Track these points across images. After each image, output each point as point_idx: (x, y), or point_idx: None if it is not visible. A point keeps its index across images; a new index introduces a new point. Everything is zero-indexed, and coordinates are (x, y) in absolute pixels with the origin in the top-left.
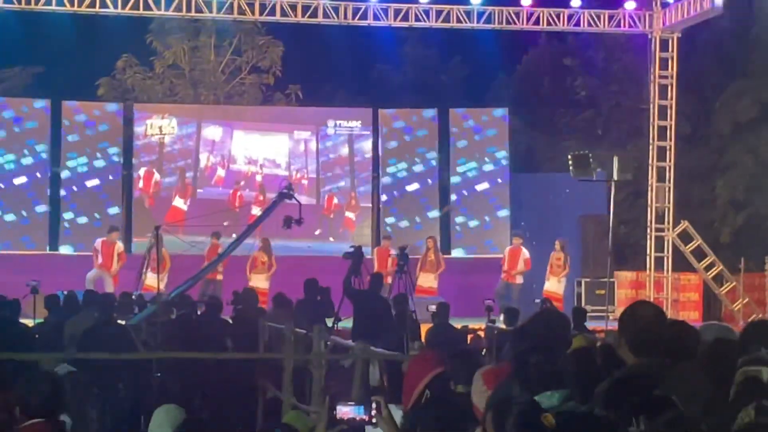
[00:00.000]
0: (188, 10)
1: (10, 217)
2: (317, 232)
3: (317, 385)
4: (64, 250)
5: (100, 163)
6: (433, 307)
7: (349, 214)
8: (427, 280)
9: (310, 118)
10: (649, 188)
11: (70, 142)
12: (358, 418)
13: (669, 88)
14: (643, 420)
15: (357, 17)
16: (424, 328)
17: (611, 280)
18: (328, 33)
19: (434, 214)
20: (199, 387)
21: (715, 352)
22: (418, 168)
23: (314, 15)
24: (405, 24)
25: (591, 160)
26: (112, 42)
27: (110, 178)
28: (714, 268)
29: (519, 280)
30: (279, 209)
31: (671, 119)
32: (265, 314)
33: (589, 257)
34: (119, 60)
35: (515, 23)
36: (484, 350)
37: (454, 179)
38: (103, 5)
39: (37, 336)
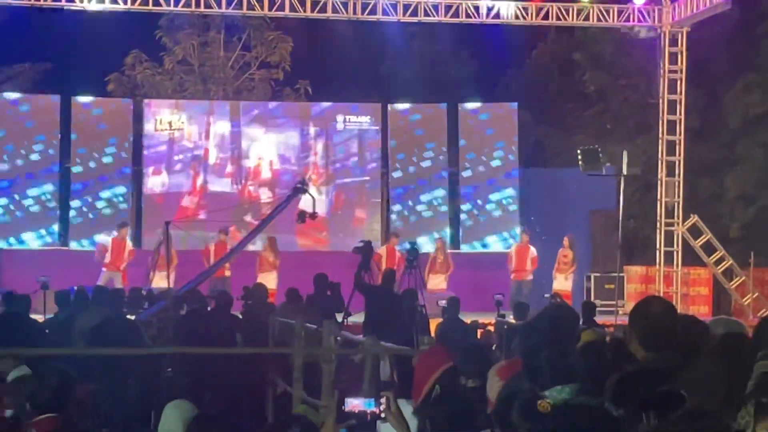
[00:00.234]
0: (197, 5)
1: (20, 213)
2: (323, 234)
3: (327, 379)
4: (75, 245)
5: (109, 159)
6: (443, 302)
7: (359, 210)
8: (437, 282)
9: (319, 114)
10: (659, 183)
11: (80, 138)
12: (368, 412)
13: (678, 82)
14: (654, 415)
15: (366, 12)
16: (434, 323)
17: (621, 274)
18: (337, 28)
19: (443, 209)
20: (209, 382)
21: (725, 346)
22: (427, 163)
23: (323, 10)
24: (414, 19)
25: (600, 154)
26: (121, 38)
27: (120, 173)
28: (724, 263)
29: (529, 276)
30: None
31: (680, 114)
32: (275, 309)
33: (599, 252)
34: (129, 56)
35: (524, 18)
36: (495, 345)
37: (464, 174)
38: (113, 1)
39: (47, 331)
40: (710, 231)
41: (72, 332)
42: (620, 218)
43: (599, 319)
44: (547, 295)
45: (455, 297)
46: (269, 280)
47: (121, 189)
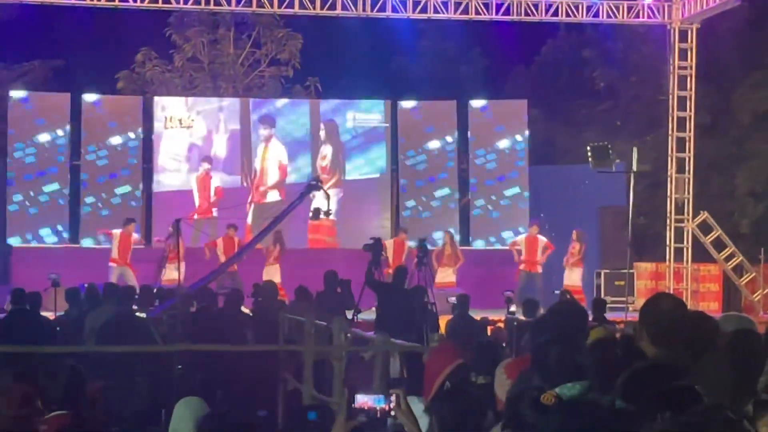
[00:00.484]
0: (207, 3)
1: (31, 210)
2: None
3: (338, 376)
4: (85, 243)
5: (119, 157)
6: (453, 299)
7: (368, 207)
8: (445, 274)
9: (329, 111)
10: (669, 179)
11: (90, 136)
12: (378, 409)
13: (688, 78)
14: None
15: (375, 9)
16: (444, 320)
17: (631, 271)
18: (346, 25)
19: (453, 205)
20: (220, 380)
21: (735, 343)
22: (438, 160)
23: (333, 7)
24: (423, 16)
25: (610, 151)
26: (131, 35)
27: (130, 170)
28: (734, 259)
29: (539, 269)
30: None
31: (690, 110)
32: (286, 306)
33: (609, 248)
34: (138, 53)
35: (534, 15)
36: (505, 342)
37: (473, 171)
38: None
39: (58, 329)
40: (720, 227)
41: (82, 329)
42: (630, 215)
43: (609, 315)
44: (557, 291)
45: (465, 294)
46: (273, 273)
47: (131, 186)
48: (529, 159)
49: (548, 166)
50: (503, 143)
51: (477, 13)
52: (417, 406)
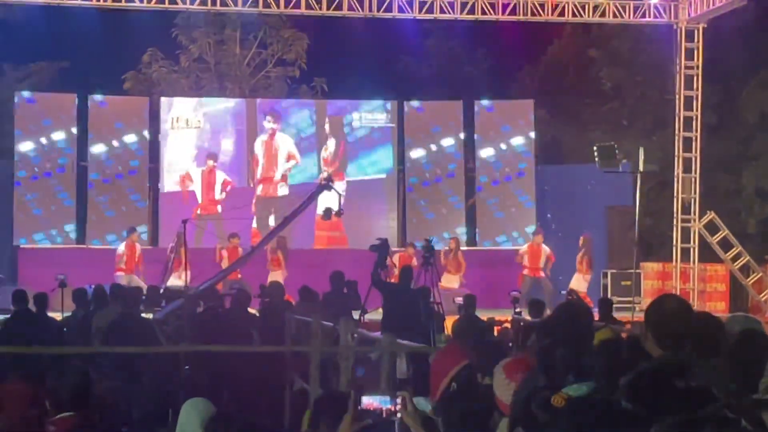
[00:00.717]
0: (213, 3)
1: (37, 211)
2: (339, 232)
3: (344, 377)
4: (92, 243)
5: (126, 157)
6: (459, 299)
7: (375, 208)
8: (450, 281)
9: (335, 111)
10: (675, 179)
11: (97, 136)
12: (384, 410)
13: (695, 78)
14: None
15: (382, 9)
16: (451, 320)
17: (637, 271)
18: (352, 25)
19: (459, 205)
20: (226, 380)
21: (742, 343)
22: (444, 160)
23: (339, 7)
24: (430, 16)
25: (616, 151)
26: (137, 36)
27: (137, 171)
28: (740, 259)
29: (543, 274)
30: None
31: (697, 110)
32: (292, 307)
33: (615, 248)
34: (145, 54)
35: (540, 14)
36: (511, 342)
37: (480, 171)
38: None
39: (65, 330)
40: (727, 227)
41: (89, 330)
42: (637, 215)
43: (616, 315)
44: (563, 292)
45: (471, 295)
46: (276, 277)
47: (138, 187)
48: (536, 159)
49: (555, 166)
50: (510, 143)
51: (483, 13)
52: (424, 407)
